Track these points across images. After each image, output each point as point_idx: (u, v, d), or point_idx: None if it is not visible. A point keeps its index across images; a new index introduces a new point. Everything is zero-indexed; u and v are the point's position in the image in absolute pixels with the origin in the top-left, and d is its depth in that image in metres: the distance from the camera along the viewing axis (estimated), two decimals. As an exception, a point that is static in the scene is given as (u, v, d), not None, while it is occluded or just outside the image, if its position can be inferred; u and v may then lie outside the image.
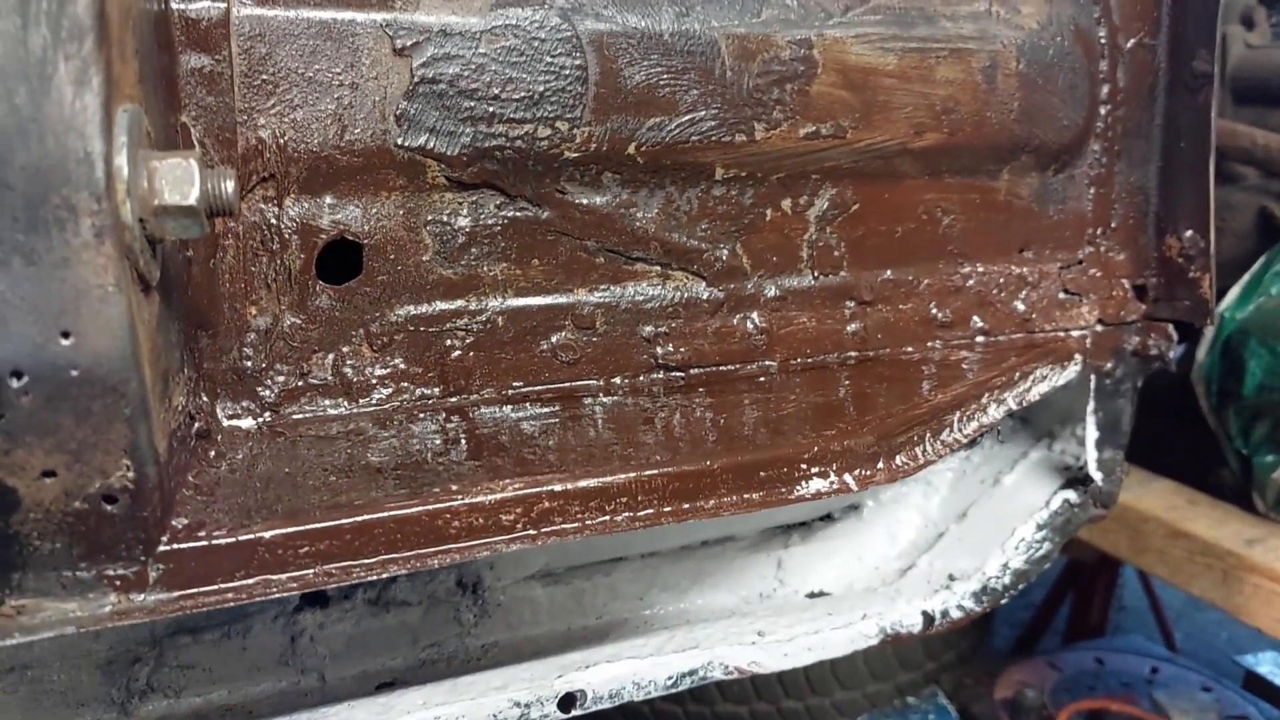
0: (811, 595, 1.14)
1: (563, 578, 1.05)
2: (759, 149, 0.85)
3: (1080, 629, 2.60)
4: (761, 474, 0.71)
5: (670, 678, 0.92)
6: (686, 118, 0.82)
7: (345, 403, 0.76)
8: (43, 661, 0.84)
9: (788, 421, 0.82)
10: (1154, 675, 2.23)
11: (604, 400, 0.83)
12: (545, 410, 0.80)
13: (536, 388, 0.83)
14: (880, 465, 0.76)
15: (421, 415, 0.77)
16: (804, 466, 0.72)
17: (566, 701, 0.88)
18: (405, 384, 0.78)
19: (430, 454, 0.72)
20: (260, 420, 0.74)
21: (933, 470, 1.19)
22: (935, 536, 1.15)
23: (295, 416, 0.75)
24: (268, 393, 0.74)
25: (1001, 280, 1.00)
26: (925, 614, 1.05)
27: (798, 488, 0.72)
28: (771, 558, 1.15)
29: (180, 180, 0.52)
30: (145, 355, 0.52)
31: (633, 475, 0.67)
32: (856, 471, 0.74)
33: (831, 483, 0.73)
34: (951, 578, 1.08)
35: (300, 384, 0.75)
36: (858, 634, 1.00)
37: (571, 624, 1.06)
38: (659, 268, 0.85)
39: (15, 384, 0.48)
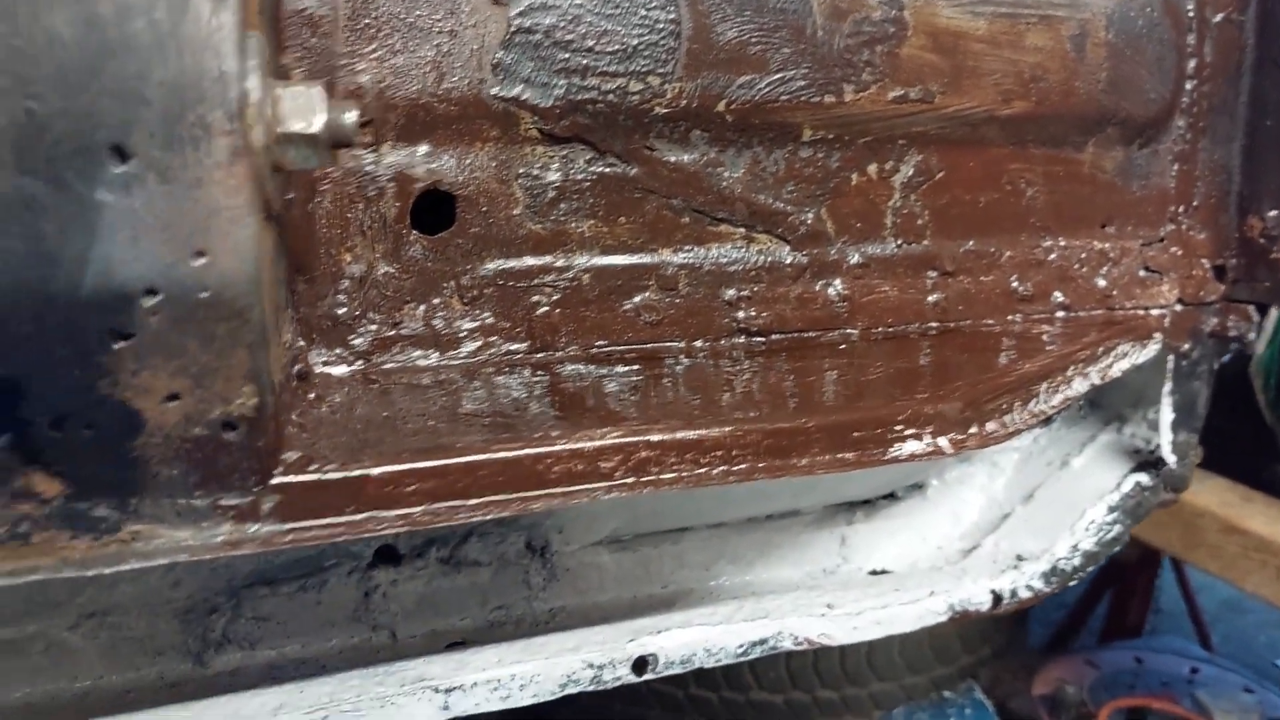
0: (874, 572, 1.13)
1: (630, 545, 1.05)
2: (847, 111, 0.84)
3: (1117, 629, 2.58)
4: (856, 434, 0.70)
5: (741, 646, 0.91)
6: (777, 76, 0.81)
7: (435, 354, 0.76)
8: (123, 607, 0.84)
9: (870, 390, 0.82)
10: (1194, 676, 2.20)
11: (684, 362, 0.82)
12: (627, 370, 0.80)
13: (619, 347, 0.82)
14: (973, 430, 0.75)
15: (508, 370, 0.77)
16: (898, 428, 0.71)
17: (639, 665, 0.87)
18: (493, 338, 0.78)
19: (517, 408, 0.72)
20: (352, 368, 0.73)
21: (998, 450, 1.18)
22: (1001, 517, 1.14)
23: (386, 366, 0.74)
24: (360, 341, 0.73)
25: (1083, 255, 0.99)
26: (994, 593, 1.04)
27: (891, 449, 0.71)
28: (835, 534, 1.14)
29: (305, 108, 0.52)
30: (266, 282, 0.52)
31: (729, 429, 0.66)
32: (951, 435, 0.73)
33: (926, 445, 0.72)
34: (1020, 558, 1.06)
35: (391, 334, 0.75)
36: (926, 610, 0.99)
37: (638, 592, 1.05)
38: (743, 230, 0.85)
39: (147, 303, 0.48)
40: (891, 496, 1.17)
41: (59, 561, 0.51)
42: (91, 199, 0.46)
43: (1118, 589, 2.57)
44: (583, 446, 0.63)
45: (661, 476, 0.64)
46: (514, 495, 0.61)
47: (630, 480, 0.64)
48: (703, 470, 0.65)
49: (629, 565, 1.05)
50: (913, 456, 0.72)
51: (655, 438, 0.64)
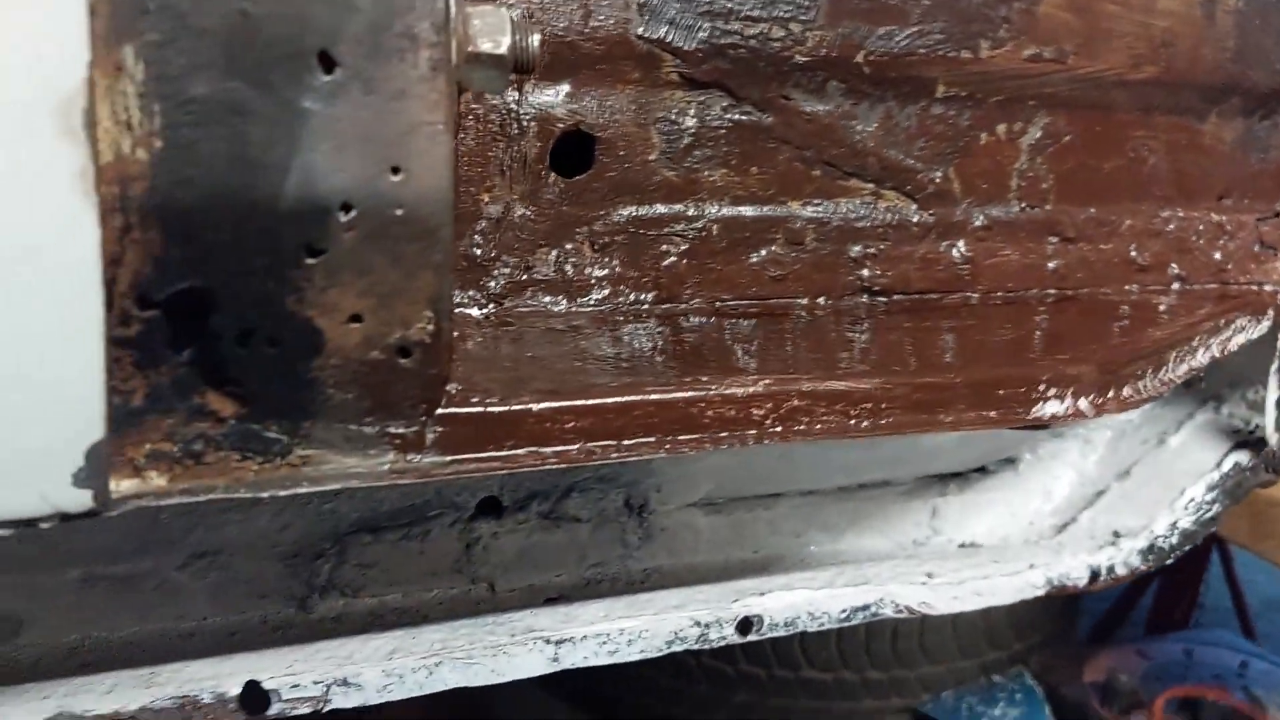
0: (963, 546, 1.12)
1: (724, 508, 1.04)
2: (982, 67, 0.82)
3: (1163, 622, 2.56)
4: (1000, 392, 0.69)
5: (844, 611, 0.90)
6: (916, 28, 0.79)
7: (564, 301, 0.75)
8: (231, 549, 0.84)
9: (988, 355, 0.80)
10: (1244, 669, 2.18)
11: (804, 319, 0.81)
12: (749, 324, 0.79)
13: (744, 302, 0.81)
14: (1111, 394, 0.74)
15: (634, 320, 0.76)
16: (1041, 388, 0.70)
17: (744, 625, 0.86)
18: (621, 287, 0.76)
19: (647, 357, 0.71)
20: (486, 311, 0.72)
21: (1091, 427, 1.16)
22: (1094, 494, 1.12)
23: (519, 310, 0.73)
24: (493, 284, 0.72)
25: (1201, 227, 0.97)
26: (1091, 568, 1.02)
27: (1034, 409, 0.70)
28: (927, 505, 1.12)
29: (494, 28, 0.51)
30: (453, 203, 0.51)
31: (878, 382, 0.65)
32: (1090, 397, 0.72)
33: (1066, 406, 0.71)
34: (1117, 534, 1.05)
35: (524, 278, 0.73)
36: (1025, 583, 0.98)
37: (730, 555, 1.04)
38: (872, 185, 0.83)
39: (343, 218, 0.47)
40: (983, 470, 1.16)
41: (232, 482, 0.50)
42: (297, 106, 0.45)
43: (1165, 581, 2.55)
44: (735, 393, 0.61)
45: (812, 426, 0.63)
46: (668, 438, 0.60)
47: (779, 429, 0.63)
48: (851, 422, 0.64)
49: (722, 528, 1.04)
50: (1054, 418, 0.70)
51: (806, 386, 0.63)
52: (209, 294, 0.46)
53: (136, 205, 0.43)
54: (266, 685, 0.72)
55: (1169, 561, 1.05)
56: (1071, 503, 1.14)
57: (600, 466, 0.95)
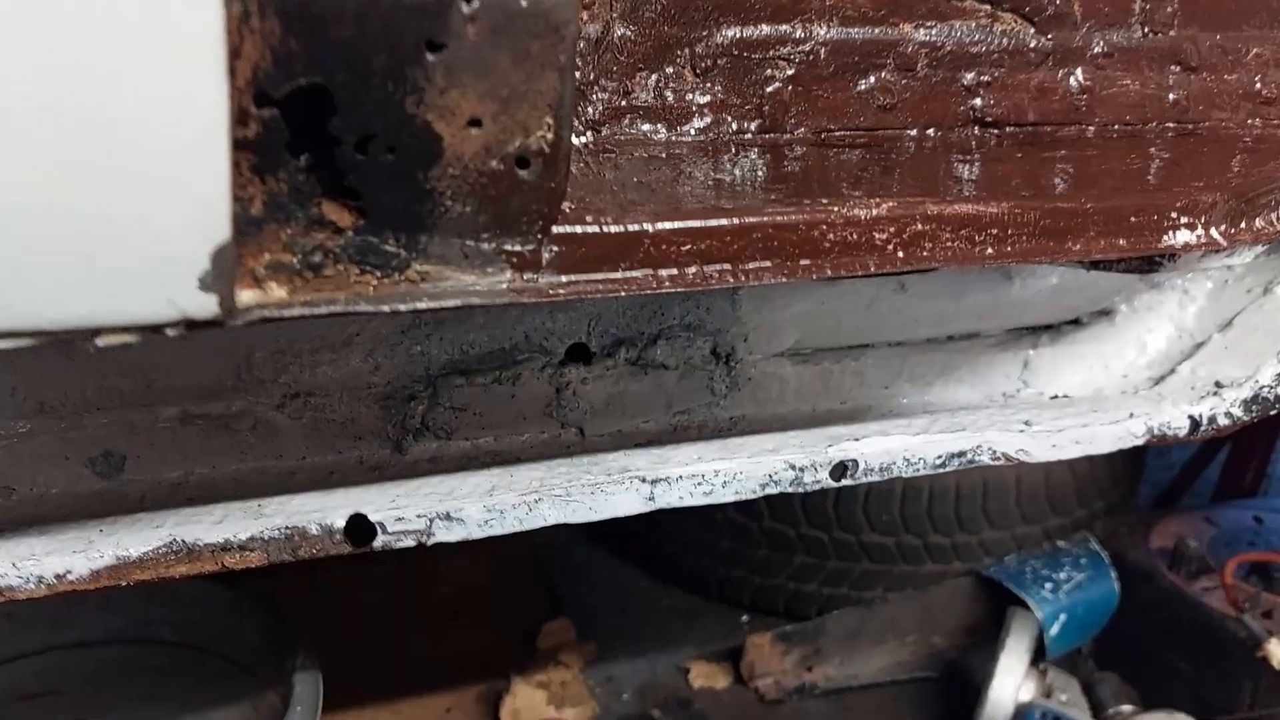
0: (1055, 398, 1.09)
1: (811, 358, 1.02)
2: (1113, -124, 0.76)
3: (1231, 491, 2.53)
4: (1132, 219, 0.65)
5: (939, 457, 0.88)
6: None
7: (664, 129, 0.72)
8: (325, 390, 0.83)
9: (1119, 183, 0.76)
10: (1315, 537, 2.16)
11: (912, 151, 0.77)
12: (855, 156, 0.75)
13: (850, 131, 0.77)
14: (1244, 224, 0.70)
15: (738, 149, 0.73)
16: (1174, 216, 0.66)
17: (839, 469, 0.85)
18: (724, 115, 0.73)
19: (747, 190, 0.68)
20: (584, 138, 0.69)
21: (1189, 279, 1.12)
22: (1193, 346, 1.09)
23: (617, 137, 0.70)
24: (591, 110, 0.69)
25: (1332, 57, 0.91)
26: (1192, 418, 0.99)
27: (1165, 237, 0.66)
28: (1018, 357, 1.10)
29: None
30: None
31: (1007, 207, 0.61)
32: (1223, 227, 0.68)
33: (1199, 235, 0.67)
34: (1219, 384, 1.02)
35: (623, 103, 0.70)
36: (1125, 432, 0.96)
37: (817, 405, 1.03)
38: (988, 7, 0.78)
39: (466, 9, 0.44)
40: (1076, 322, 1.12)
41: (352, 296, 0.49)
42: (419, -121, 0.41)
43: (1233, 450, 2.52)
44: (859, 215, 0.58)
45: (936, 252, 0.60)
46: (788, 262, 0.57)
47: (903, 255, 0.60)
48: (976, 249, 0.61)
49: (809, 379, 1.02)
50: (1186, 246, 0.66)
51: (932, 210, 0.60)
52: (328, 93, 0.44)
53: (254, -10, 0.41)
54: (372, 518, 0.73)
55: (1275, 412, 1.02)
56: (1168, 356, 1.10)
57: (686, 314, 0.93)
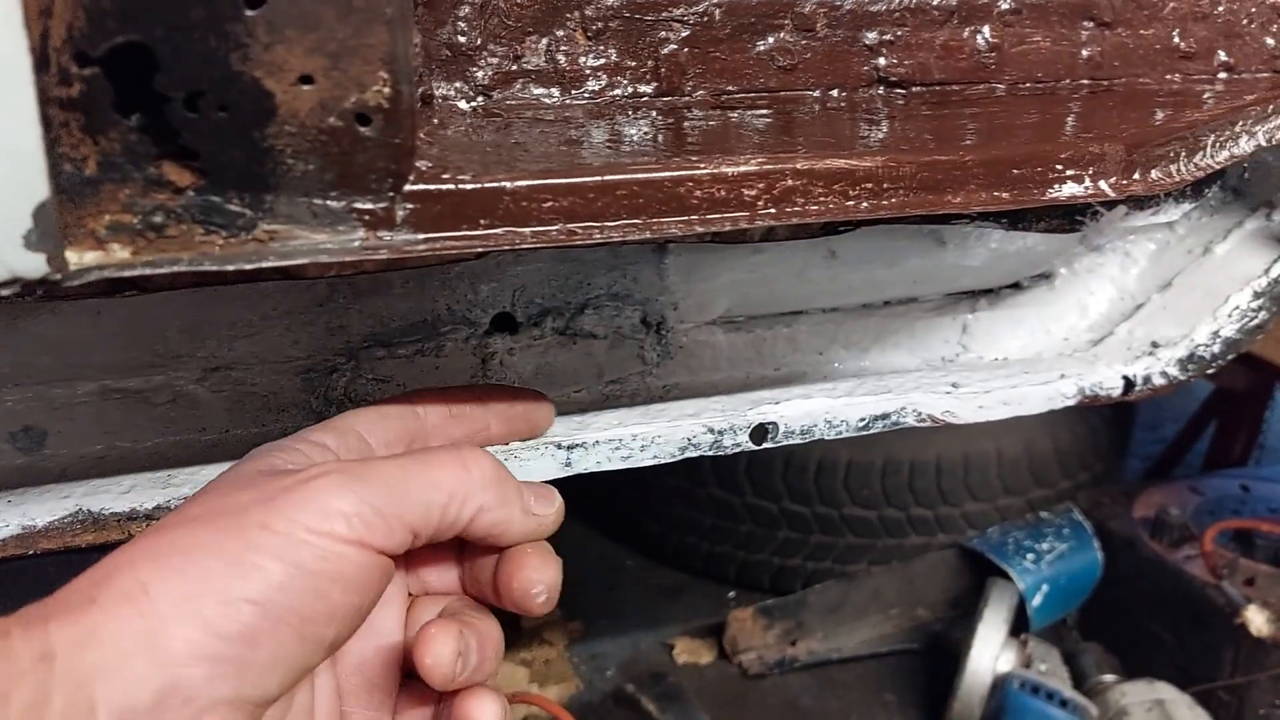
0: (995, 361, 1.09)
1: (744, 325, 1.02)
2: None
3: (1221, 462, 2.52)
4: (1014, 171, 0.65)
5: (863, 419, 0.89)
6: None
7: (558, 92, 0.72)
8: (245, 363, 0.84)
9: (1020, 137, 0.76)
10: (1302, 504, 2.15)
11: (817, 112, 0.77)
12: (757, 117, 0.75)
13: (750, 94, 0.77)
14: (1136, 175, 0.69)
15: (633, 112, 0.73)
16: (1059, 168, 0.66)
17: (759, 433, 0.86)
18: (618, 77, 0.73)
19: (648, 145, 0.68)
20: (474, 103, 0.70)
21: (1131, 241, 1.11)
22: (1133, 308, 1.08)
23: (508, 102, 0.71)
24: (481, 74, 0.70)
25: (1253, 10, 0.90)
26: (1126, 378, 0.99)
27: (1050, 190, 0.66)
28: (956, 322, 1.10)
29: None
30: (403, -45, 0.48)
31: (881, 160, 0.61)
32: (1112, 179, 0.68)
33: (1086, 188, 0.67)
34: (1155, 344, 1.01)
35: (514, 68, 0.71)
36: (1056, 392, 0.95)
37: (750, 372, 1.03)
38: (888, -35, 0.78)
39: (280, -38, 0.44)
40: (1016, 286, 1.12)
41: (197, 255, 0.49)
42: None
43: (1224, 420, 2.50)
44: (725, 171, 0.58)
45: (807, 208, 0.60)
46: (654, 219, 0.58)
47: (773, 210, 0.60)
48: (850, 202, 0.61)
49: (742, 346, 1.03)
50: (1072, 199, 0.66)
51: (801, 165, 0.60)
52: (149, 50, 0.44)
53: (60, -51, 0.41)
54: (278, 487, 0.73)
55: (1210, 371, 1.01)
56: (1109, 318, 1.10)
57: (612, 284, 0.94)
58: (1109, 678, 1.88)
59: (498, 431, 0.72)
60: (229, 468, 0.58)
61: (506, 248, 0.55)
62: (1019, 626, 1.94)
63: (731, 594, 2.28)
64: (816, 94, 0.78)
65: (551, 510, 0.62)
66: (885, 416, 0.89)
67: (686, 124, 0.71)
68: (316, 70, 0.47)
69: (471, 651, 0.55)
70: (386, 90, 0.49)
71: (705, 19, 0.74)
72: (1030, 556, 2.01)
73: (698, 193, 0.59)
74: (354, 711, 0.59)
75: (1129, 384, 0.99)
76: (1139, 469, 2.86)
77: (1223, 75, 0.90)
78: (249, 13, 0.45)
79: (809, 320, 1.05)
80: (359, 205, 0.52)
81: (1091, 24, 0.84)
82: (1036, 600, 1.97)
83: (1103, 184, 0.67)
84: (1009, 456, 2.11)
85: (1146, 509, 2.09)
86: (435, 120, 0.63)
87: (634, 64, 0.73)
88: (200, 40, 0.45)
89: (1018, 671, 1.81)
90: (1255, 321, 1.01)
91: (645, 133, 0.68)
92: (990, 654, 1.81)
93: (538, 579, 0.58)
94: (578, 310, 0.94)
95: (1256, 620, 1.70)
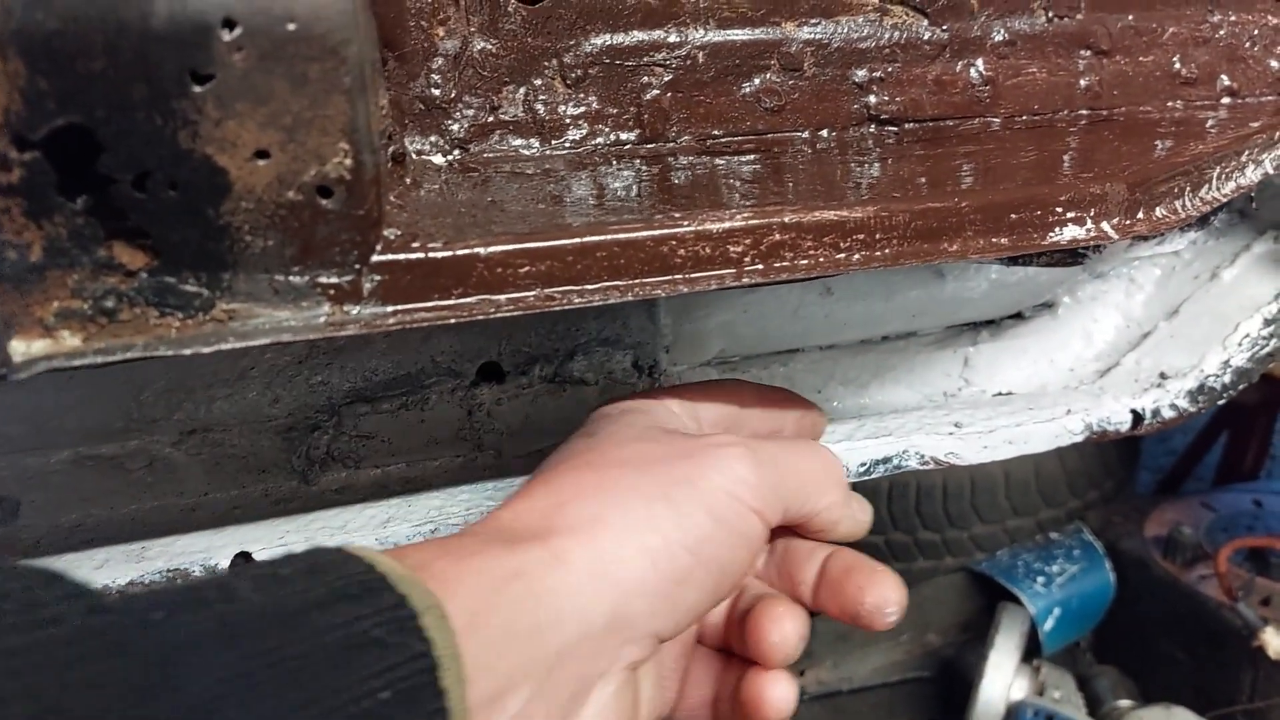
0: (998, 395, 1.06)
1: (739, 366, 0.99)
2: None
3: (1232, 474, 2.48)
4: (1013, 216, 0.62)
5: (864, 464, 0.86)
6: None
7: (537, 143, 0.70)
8: (223, 425, 0.82)
9: (1018, 177, 0.73)
10: (1317, 519, 2.11)
11: (807, 154, 0.74)
12: (745, 161, 0.72)
13: (737, 137, 0.75)
14: (1140, 215, 0.67)
15: (617, 161, 0.70)
16: (1059, 210, 0.63)
17: (757, 483, 0.83)
18: (600, 125, 0.71)
19: (631, 199, 0.65)
20: (450, 157, 0.67)
21: (1136, 266, 1.09)
22: (1141, 336, 1.05)
23: (486, 155, 0.68)
24: (457, 127, 0.67)
25: (1255, 32, 0.87)
26: (1134, 412, 0.96)
27: (1051, 233, 0.63)
28: (958, 355, 1.07)
29: None
30: (363, 21, 0.46)
31: (872, 210, 0.59)
32: (1115, 220, 0.65)
33: (1088, 230, 0.64)
34: (1164, 375, 0.98)
35: (490, 119, 0.68)
36: (1062, 429, 0.92)
37: (748, 415, 1.00)
38: (876, 0, 0.75)
39: (227, 36, 0.42)
40: (1018, 317, 1.09)
41: (153, 339, 0.47)
42: (156, -94, 0.39)
43: (1234, 432, 2.47)
44: (710, 229, 0.56)
45: (796, 262, 0.58)
46: (635, 280, 0.55)
47: (760, 266, 0.57)
48: (842, 255, 0.58)
49: (739, 387, 1.00)
50: (1074, 242, 0.64)
51: (790, 219, 0.57)
52: (90, 132, 0.42)
53: (-9, 32, 0.39)
54: (258, 557, 0.71)
55: (1221, 402, 0.98)
56: (1116, 347, 1.07)
57: (602, 328, 0.91)
58: (1125, 703, 1.84)
59: (791, 432, 0.73)
60: (601, 417, 0.63)
61: (480, 317, 0.52)
62: (1031, 651, 1.90)
63: (738, 622, 2.24)
64: (806, 135, 0.75)
65: (868, 518, 0.65)
66: (887, 460, 0.86)
67: (671, 173, 0.69)
68: (272, 144, 0.45)
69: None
70: (348, 162, 0.46)
71: (688, 62, 0.71)
72: (1041, 579, 1.98)
73: (681, 251, 0.56)
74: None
75: (1137, 418, 0.96)
76: (1150, 481, 2.82)
77: (1226, 100, 0.87)
78: (196, 89, 0.42)
79: (805, 358, 1.02)
80: (323, 280, 0.49)
81: (1089, 53, 0.82)
82: (1048, 624, 1.93)
83: (1105, 225, 0.65)
84: (1017, 477, 2.08)
85: (1158, 527, 2.05)
86: (408, 180, 0.61)
87: (615, 111, 0.70)
88: (145, 119, 0.42)
89: (1031, 700, 1.77)
90: (1266, 349, 0.98)
91: (628, 185, 0.66)
92: (1003, 682, 1.78)
93: (893, 598, 0.59)
94: (567, 357, 0.91)
95: (1274, 643, 1.67)
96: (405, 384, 0.86)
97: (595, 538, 0.49)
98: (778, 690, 0.57)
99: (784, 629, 0.56)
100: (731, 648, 0.62)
